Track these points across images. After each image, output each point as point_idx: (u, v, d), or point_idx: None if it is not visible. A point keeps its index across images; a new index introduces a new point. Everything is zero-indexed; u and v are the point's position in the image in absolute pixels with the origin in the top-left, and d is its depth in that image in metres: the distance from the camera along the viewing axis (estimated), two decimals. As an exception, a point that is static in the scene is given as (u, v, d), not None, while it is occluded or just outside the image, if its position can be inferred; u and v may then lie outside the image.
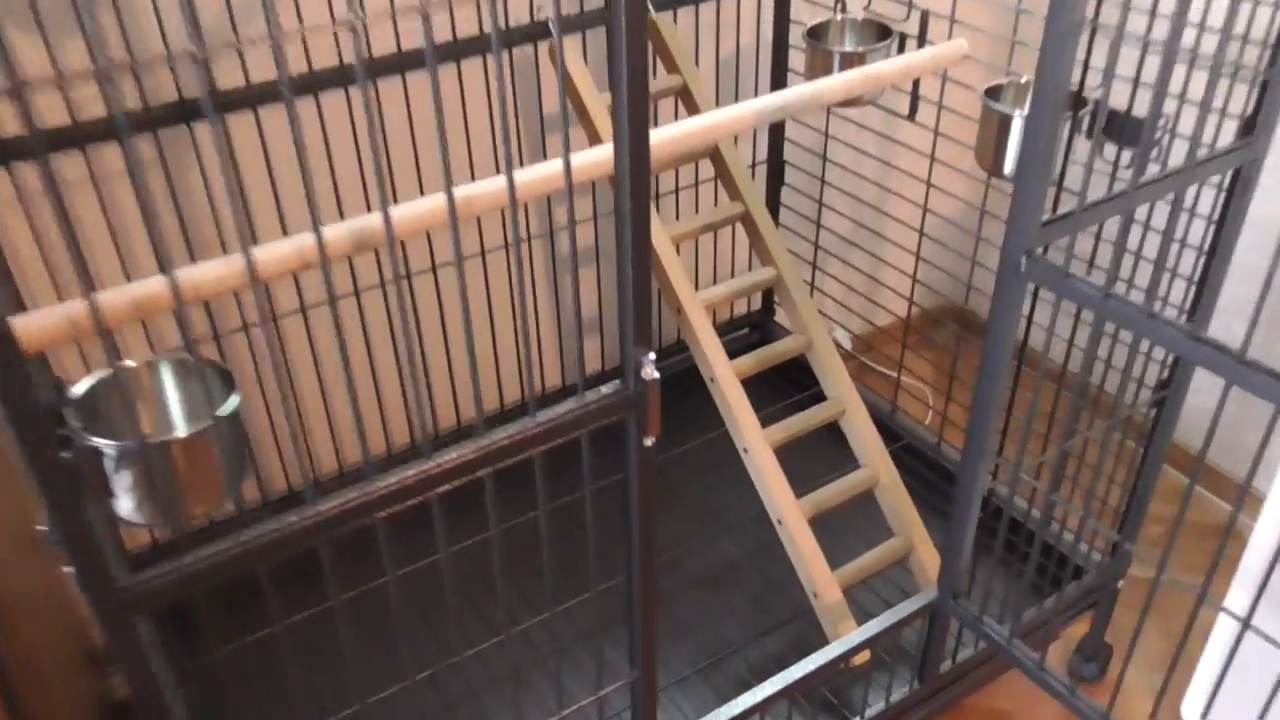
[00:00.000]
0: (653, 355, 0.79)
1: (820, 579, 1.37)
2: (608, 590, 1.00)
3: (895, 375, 1.78)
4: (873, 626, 1.23)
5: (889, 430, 1.68)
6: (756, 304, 1.97)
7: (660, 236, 1.43)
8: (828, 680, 1.37)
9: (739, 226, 1.56)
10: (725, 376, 1.42)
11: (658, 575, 1.52)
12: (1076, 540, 1.43)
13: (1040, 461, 1.47)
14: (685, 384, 1.91)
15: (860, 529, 1.54)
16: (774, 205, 1.85)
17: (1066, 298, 0.95)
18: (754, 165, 1.81)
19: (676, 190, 1.73)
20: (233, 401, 0.80)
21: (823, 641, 1.37)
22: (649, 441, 0.83)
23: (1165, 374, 1.29)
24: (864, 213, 1.85)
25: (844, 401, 1.48)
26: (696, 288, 1.46)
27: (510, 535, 1.55)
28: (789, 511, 1.39)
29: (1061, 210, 1.01)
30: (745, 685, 1.20)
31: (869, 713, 1.31)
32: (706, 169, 1.69)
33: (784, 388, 1.77)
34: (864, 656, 1.39)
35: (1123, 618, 1.54)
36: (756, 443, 1.40)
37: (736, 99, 1.70)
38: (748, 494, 1.44)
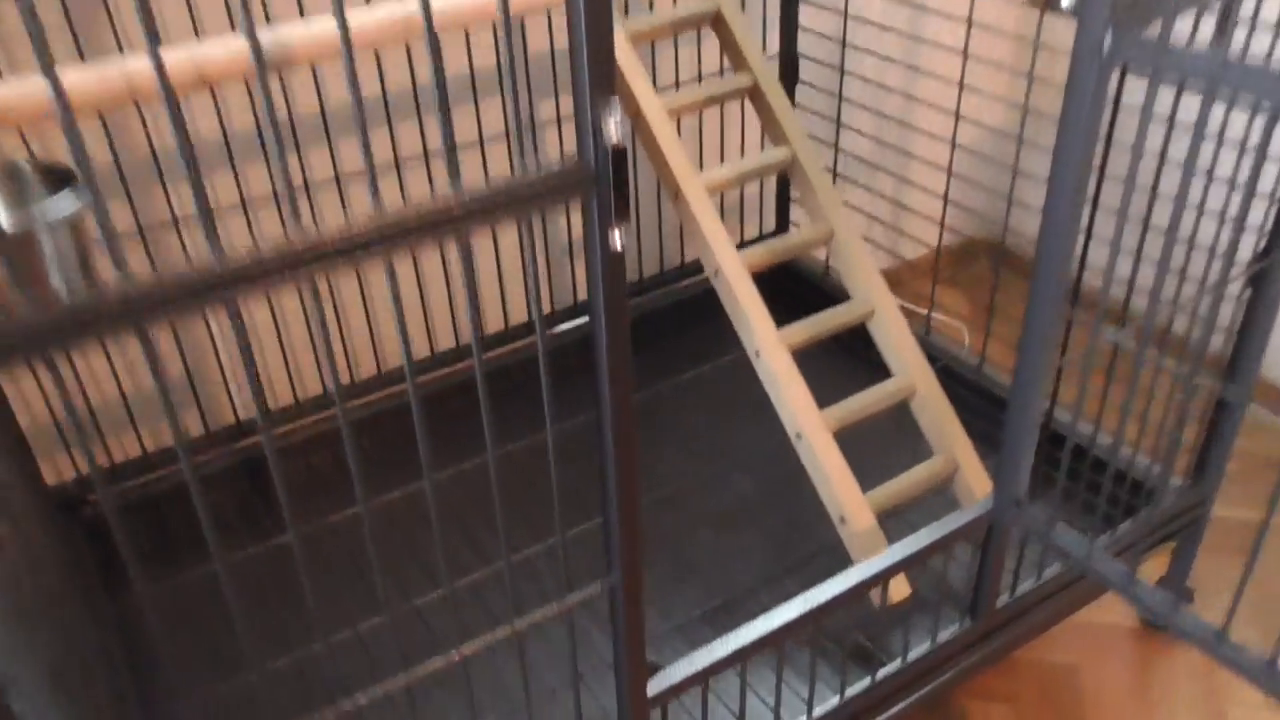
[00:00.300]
0: (619, 114, 0.59)
1: (849, 501, 1.16)
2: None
3: (925, 312, 1.56)
4: (915, 542, 1.01)
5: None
6: (770, 224, 1.76)
7: (654, 106, 1.22)
8: (860, 621, 1.15)
9: (748, 110, 1.35)
10: (732, 268, 1.21)
11: (659, 513, 1.32)
12: (1151, 466, 1.21)
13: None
14: (694, 310, 1.72)
15: (893, 453, 1.32)
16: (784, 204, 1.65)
17: (1167, 79, 0.74)
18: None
19: (677, 67, 1.52)
20: (65, 203, 0.62)
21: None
22: (618, 241, 0.62)
23: (1263, 244, 1.07)
24: (888, 130, 1.64)
25: (872, 301, 1.27)
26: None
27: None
28: (810, 423, 1.18)
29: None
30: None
31: (911, 655, 1.09)
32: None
33: (806, 298, 1.56)
34: (904, 591, 1.17)
35: (1204, 564, 1.32)
36: (770, 344, 1.19)
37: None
38: (765, 426, 1.23)
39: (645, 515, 1.35)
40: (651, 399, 1.55)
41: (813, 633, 1.03)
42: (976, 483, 1.22)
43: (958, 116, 1.39)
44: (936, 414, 1.24)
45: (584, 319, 1.60)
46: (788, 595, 0.98)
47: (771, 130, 1.31)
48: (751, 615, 0.94)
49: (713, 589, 1.25)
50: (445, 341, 1.56)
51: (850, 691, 1.05)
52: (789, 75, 1.58)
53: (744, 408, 1.52)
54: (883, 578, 0.98)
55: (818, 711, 1.04)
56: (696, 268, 1.72)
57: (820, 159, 1.30)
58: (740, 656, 0.91)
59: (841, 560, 1.21)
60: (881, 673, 1.07)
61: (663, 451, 1.46)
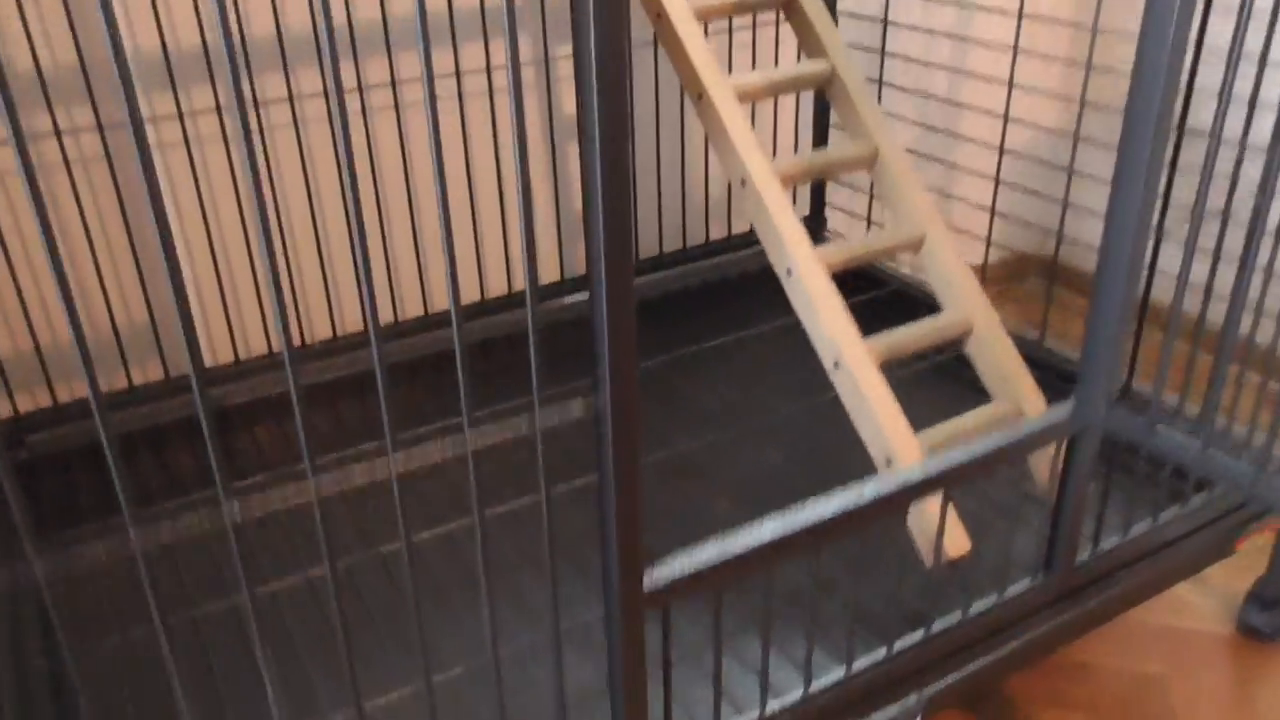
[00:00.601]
0: None
1: (897, 437, 0.98)
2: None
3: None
4: (982, 445, 0.82)
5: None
6: (805, 203, 1.61)
7: (677, 4, 1.10)
8: (910, 586, 0.96)
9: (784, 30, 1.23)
10: (762, 175, 1.06)
11: (674, 483, 1.14)
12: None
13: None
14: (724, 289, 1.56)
15: (944, 401, 1.13)
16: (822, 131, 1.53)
17: None
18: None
19: None
20: None
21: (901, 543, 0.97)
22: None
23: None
24: (930, 139, 1.52)
25: (922, 226, 1.11)
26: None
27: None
28: (851, 350, 1.01)
29: None
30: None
31: (973, 610, 0.89)
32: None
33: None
34: (962, 546, 0.98)
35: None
36: (806, 261, 1.03)
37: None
38: (794, 396, 1.06)
39: (660, 486, 1.17)
40: (672, 367, 1.38)
41: (852, 591, 0.84)
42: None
43: (1006, 118, 1.26)
44: (997, 354, 1.07)
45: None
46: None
47: (808, 43, 1.18)
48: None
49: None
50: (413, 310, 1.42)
51: (900, 644, 0.86)
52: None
53: (771, 378, 1.35)
54: (942, 482, 0.79)
55: (860, 664, 0.84)
56: (722, 245, 1.58)
57: (862, 72, 1.17)
58: (763, 558, 0.72)
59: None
60: (938, 625, 0.87)
61: (684, 422, 1.28)
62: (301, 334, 1.35)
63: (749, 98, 1.12)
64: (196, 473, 1.22)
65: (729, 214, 1.60)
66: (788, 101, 1.54)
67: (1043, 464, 1.05)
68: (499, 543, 1.08)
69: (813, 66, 1.15)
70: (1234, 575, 1.28)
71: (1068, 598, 0.94)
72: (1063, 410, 0.83)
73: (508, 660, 0.93)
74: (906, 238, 1.10)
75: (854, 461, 1.02)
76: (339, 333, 1.38)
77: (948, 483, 0.79)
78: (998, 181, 1.32)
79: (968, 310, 1.08)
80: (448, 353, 1.43)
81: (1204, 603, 1.25)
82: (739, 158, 1.06)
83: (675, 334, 1.46)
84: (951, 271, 1.09)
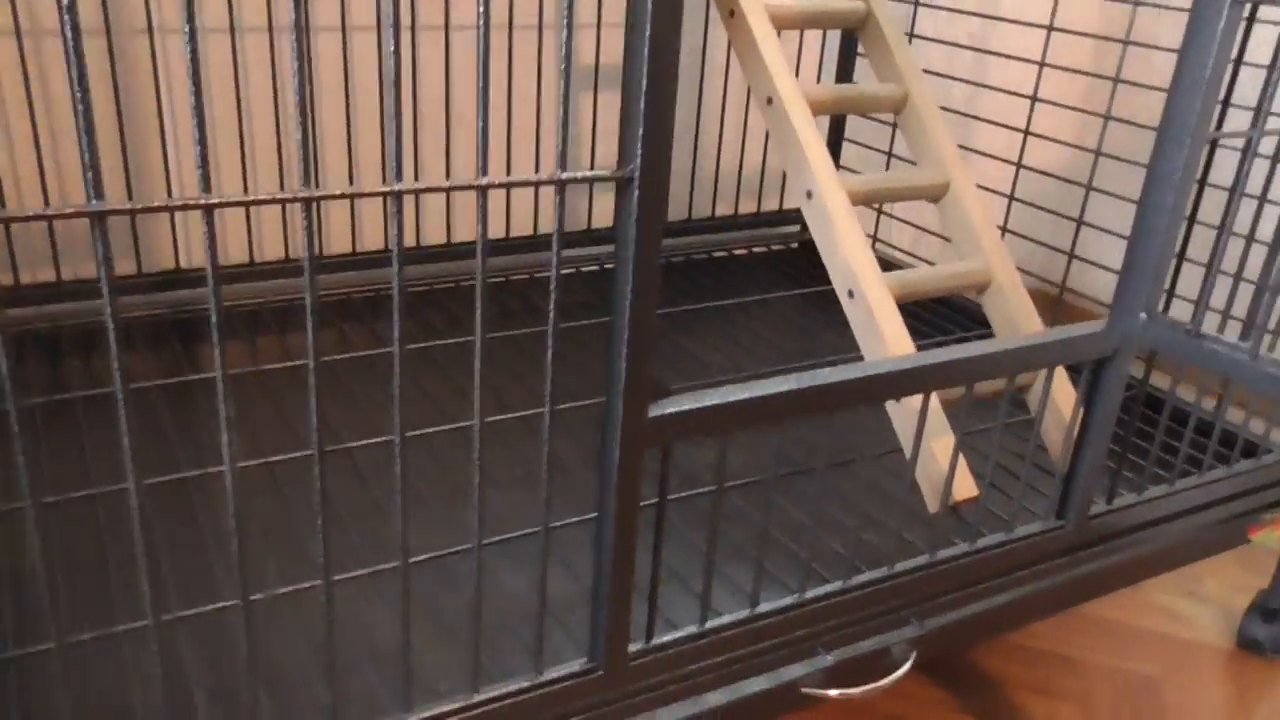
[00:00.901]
0: None
1: (908, 367, 0.92)
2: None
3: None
4: (997, 345, 0.77)
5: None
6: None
7: (719, -80, 1.07)
8: (915, 529, 0.89)
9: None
10: (789, 94, 1.02)
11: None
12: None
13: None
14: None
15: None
16: (835, 145, 1.52)
17: None
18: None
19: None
20: None
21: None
22: None
23: None
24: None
25: (946, 172, 1.07)
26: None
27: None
28: (867, 277, 0.96)
29: None
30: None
31: (980, 543, 0.83)
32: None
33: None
34: (969, 490, 0.91)
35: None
36: (827, 182, 0.99)
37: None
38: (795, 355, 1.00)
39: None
40: (675, 324, 1.33)
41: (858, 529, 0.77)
42: (1061, 394, 0.99)
43: (1020, 163, 1.25)
44: (1014, 308, 1.02)
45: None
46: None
47: (845, -15, 1.15)
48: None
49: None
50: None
51: (901, 565, 0.79)
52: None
53: (781, 342, 1.30)
54: (965, 371, 0.73)
55: (860, 578, 0.77)
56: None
57: (895, 10, 1.13)
58: (769, 410, 0.66)
59: (890, 468, 0.96)
60: (944, 552, 0.81)
61: (685, 374, 1.22)
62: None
63: (780, 24, 1.08)
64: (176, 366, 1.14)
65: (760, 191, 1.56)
66: (811, 46, 1.52)
67: (1055, 433, 1.00)
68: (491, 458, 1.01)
69: (848, 4, 1.12)
70: (1233, 592, 1.23)
71: (1079, 548, 0.88)
72: (1097, 324, 0.78)
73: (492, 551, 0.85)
74: (929, 182, 1.06)
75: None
76: (358, 249, 1.32)
77: (972, 374, 0.73)
78: (1011, 199, 1.29)
79: (989, 260, 1.04)
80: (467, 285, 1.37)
81: (1202, 614, 1.19)
82: (768, 74, 1.02)
83: (685, 298, 1.41)
84: (973, 220, 1.05)
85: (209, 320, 0.49)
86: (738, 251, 1.56)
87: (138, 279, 1.21)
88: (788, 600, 0.74)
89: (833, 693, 0.78)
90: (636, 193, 0.54)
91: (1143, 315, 0.76)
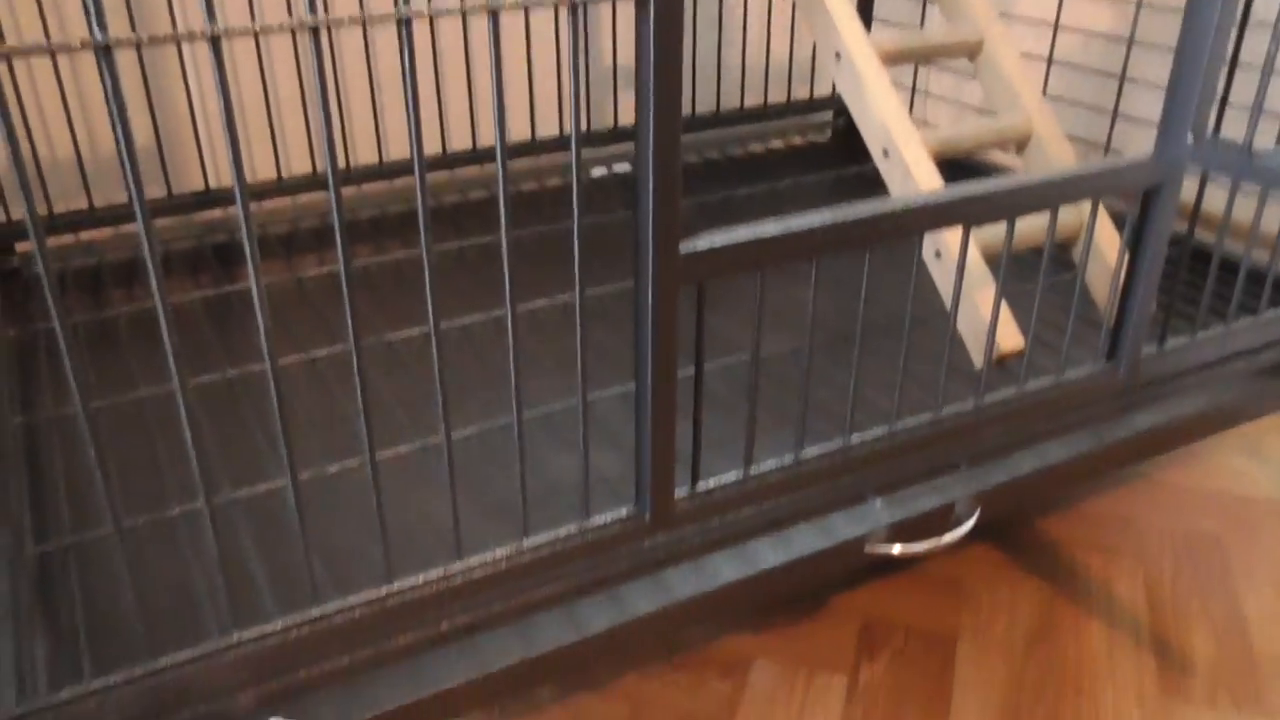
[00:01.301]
0: None
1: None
2: None
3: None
4: (1040, 176, 0.74)
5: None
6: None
7: None
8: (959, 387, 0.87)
9: None
10: (812, -46, 0.98)
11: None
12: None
13: None
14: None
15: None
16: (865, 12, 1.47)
17: None
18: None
19: None
20: None
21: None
22: None
23: None
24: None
25: (980, 29, 1.03)
26: None
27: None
28: (902, 134, 0.93)
29: None
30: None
31: (1030, 386, 0.81)
32: None
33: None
34: (1015, 340, 0.90)
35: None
36: (856, 43, 0.96)
37: None
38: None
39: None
40: (699, 213, 1.31)
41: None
42: (1105, 238, 0.96)
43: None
44: (1055, 161, 0.99)
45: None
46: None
47: None
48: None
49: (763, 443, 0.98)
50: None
51: (949, 409, 0.77)
52: None
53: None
54: (1007, 205, 0.71)
55: (906, 422, 0.76)
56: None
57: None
58: (811, 244, 0.64)
59: (936, 331, 0.94)
60: (991, 396, 0.79)
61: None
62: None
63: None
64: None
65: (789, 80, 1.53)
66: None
67: (1101, 279, 0.97)
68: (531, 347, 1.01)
69: None
70: None
71: (1132, 392, 0.86)
72: (1143, 153, 0.75)
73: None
74: (963, 39, 1.03)
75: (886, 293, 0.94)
76: (384, 159, 1.32)
77: (1013, 206, 0.71)
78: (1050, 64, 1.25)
79: (1028, 113, 1.01)
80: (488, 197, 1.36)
81: (1264, 472, 1.16)
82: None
83: (718, 189, 1.39)
84: (1011, 75, 1.02)
85: (243, 237, 0.49)
86: (773, 144, 1.53)
87: (169, 201, 1.21)
88: (833, 446, 0.73)
89: (895, 549, 0.77)
90: (653, 9, 0.53)
91: (1190, 138, 0.73)
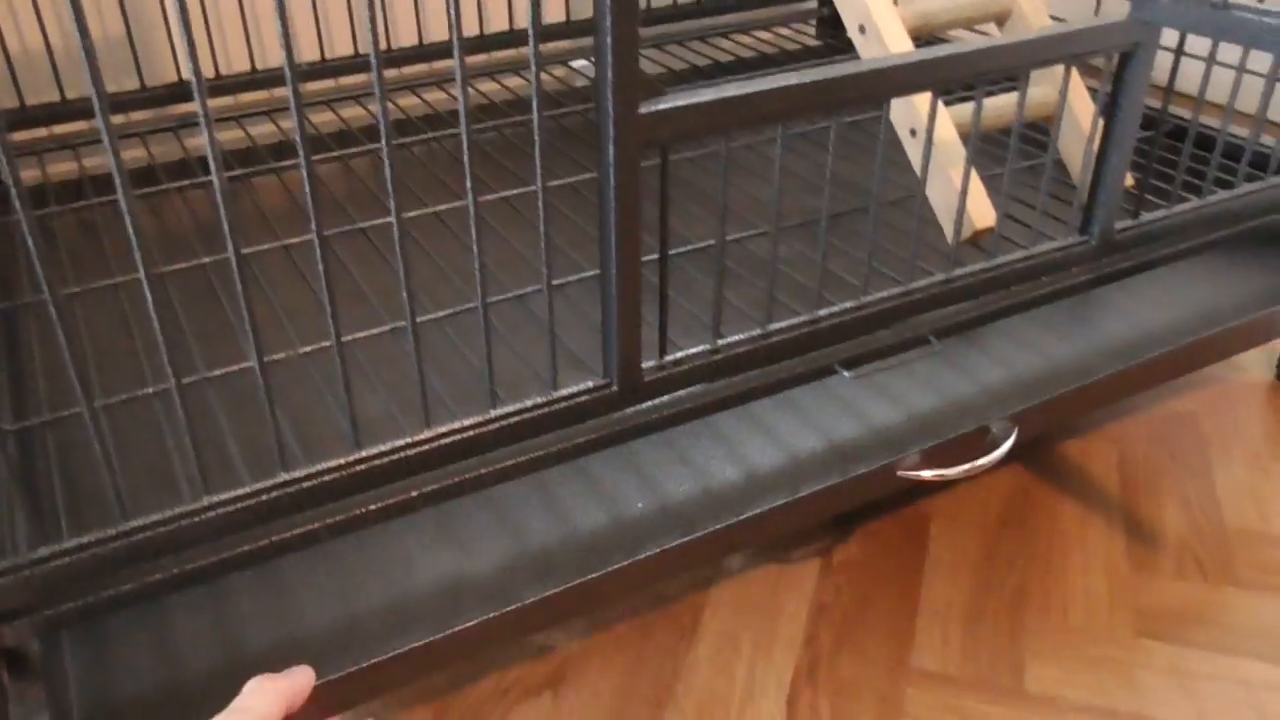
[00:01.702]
0: None
1: (923, 102, 0.89)
2: None
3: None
4: (1015, 38, 0.73)
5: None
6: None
7: None
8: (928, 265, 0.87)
9: None
10: None
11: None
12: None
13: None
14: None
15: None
16: None
17: None
18: None
19: None
20: None
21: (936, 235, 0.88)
22: None
23: None
24: None
25: (962, -99, 1.01)
26: None
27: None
28: (879, 8, 0.91)
29: None
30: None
31: (998, 259, 0.81)
32: None
33: None
34: (987, 217, 0.89)
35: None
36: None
37: None
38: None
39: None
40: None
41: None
42: (1079, 105, 0.95)
43: None
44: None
45: None
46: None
47: None
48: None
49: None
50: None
51: (919, 283, 0.77)
52: None
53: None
54: (979, 65, 0.70)
55: (876, 295, 0.76)
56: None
57: None
58: (776, 106, 0.64)
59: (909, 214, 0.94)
60: (962, 270, 0.79)
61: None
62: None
63: None
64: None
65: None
66: None
67: (1074, 149, 0.96)
68: (494, 244, 1.00)
69: None
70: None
71: (1106, 266, 0.86)
72: (1118, 15, 0.74)
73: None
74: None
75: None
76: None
77: (984, 68, 0.70)
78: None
79: (1008, -11, 0.99)
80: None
81: (1244, 354, 1.17)
82: None
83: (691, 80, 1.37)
84: (992, -50, 0.99)
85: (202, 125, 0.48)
86: (759, 36, 1.50)
87: (141, 93, 1.19)
88: (800, 318, 0.73)
89: (927, 474, 0.76)
90: None
91: (1165, -2, 0.72)
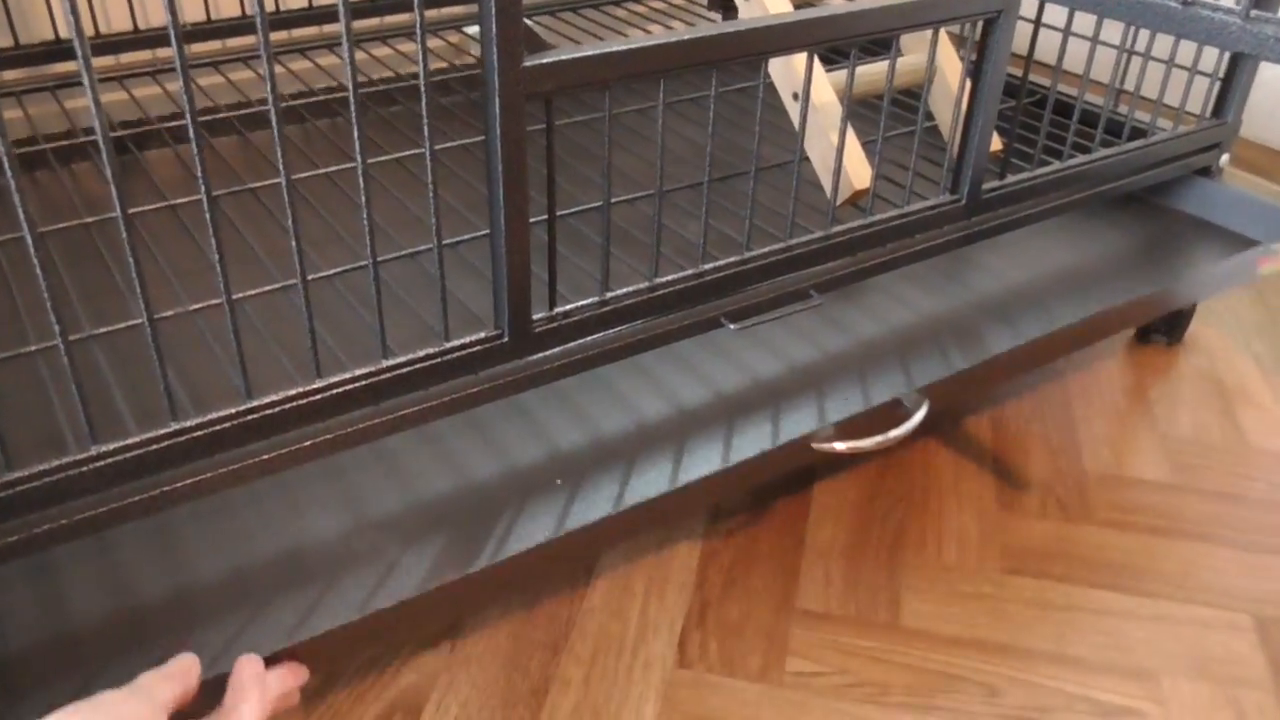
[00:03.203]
0: None
1: (801, 66, 0.92)
2: None
3: None
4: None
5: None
6: None
7: None
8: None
9: None
10: None
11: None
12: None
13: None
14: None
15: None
16: None
17: None
18: None
19: None
20: None
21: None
22: None
23: None
24: None
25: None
26: None
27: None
28: (761, -24, 0.94)
29: None
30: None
31: (877, 216, 0.85)
32: None
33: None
34: (864, 178, 0.93)
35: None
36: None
37: None
38: None
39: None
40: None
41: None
42: (949, 65, 1.00)
43: None
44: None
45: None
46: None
47: None
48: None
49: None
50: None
51: (797, 239, 0.81)
52: None
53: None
54: (844, 28, 0.74)
55: (760, 250, 0.79)
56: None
57: None
58: (656, 60, 0.66)
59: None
60: (839, 227, 0.83)
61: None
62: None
63: None
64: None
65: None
66: None
67: (944, 107, 1.01)
68: (388, 205, 1.00)
69: None
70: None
71: (975, 224, 0.91)
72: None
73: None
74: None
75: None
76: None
77: (856, 29, 0.74)
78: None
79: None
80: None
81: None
82: None
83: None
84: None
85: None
86: (650, 2, 1.53)
87: (13, 52, 1.16)
88: (686, 272, 0.76)
89: (841, 447, 0.78)
90: None
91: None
